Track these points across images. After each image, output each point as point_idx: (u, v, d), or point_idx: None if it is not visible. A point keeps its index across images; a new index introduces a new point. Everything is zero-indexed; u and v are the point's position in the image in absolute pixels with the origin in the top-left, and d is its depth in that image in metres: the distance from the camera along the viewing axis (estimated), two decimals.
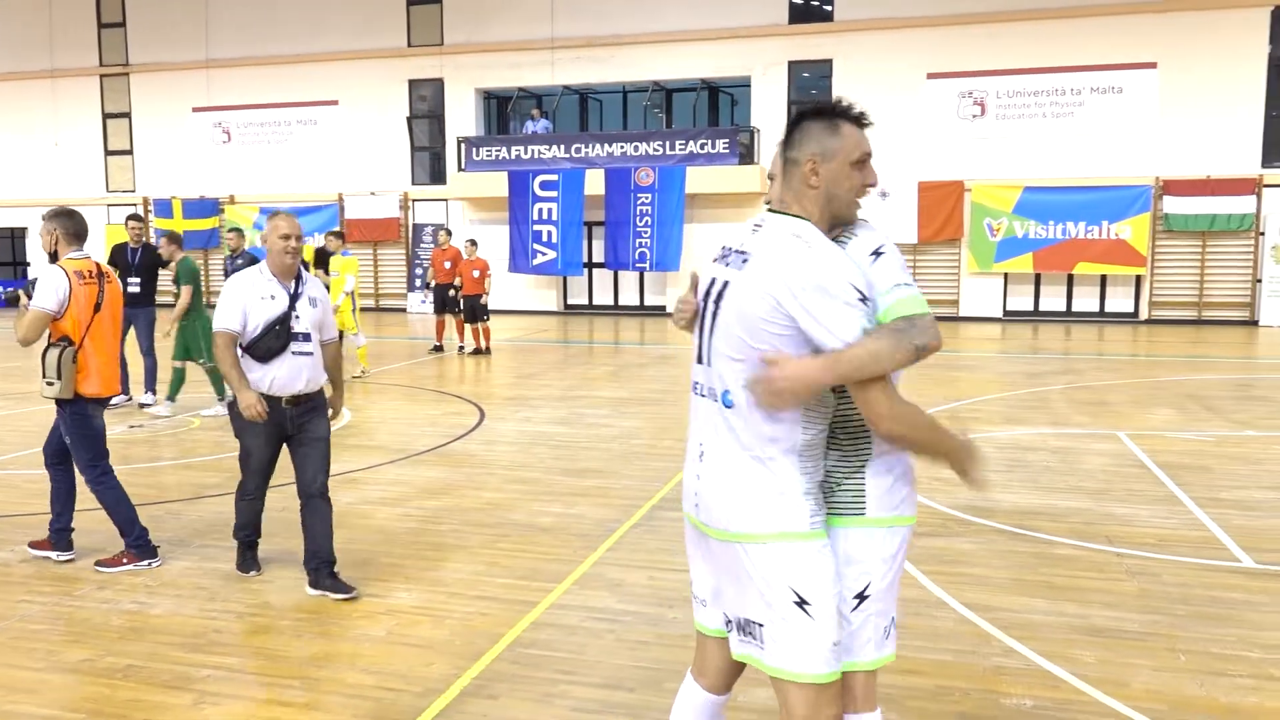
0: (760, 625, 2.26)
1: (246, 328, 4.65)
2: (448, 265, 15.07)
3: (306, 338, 4.75)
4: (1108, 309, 19.88)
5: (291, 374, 4.70)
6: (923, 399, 5.49)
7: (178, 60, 24.66)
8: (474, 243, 15.34)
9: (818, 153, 2.31)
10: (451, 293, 15.01)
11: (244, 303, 4.67)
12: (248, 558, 5.07)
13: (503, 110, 23.67)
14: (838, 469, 2.38)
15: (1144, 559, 5.21)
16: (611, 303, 22.88)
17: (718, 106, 22.95)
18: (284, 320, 4.69)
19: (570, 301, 23.11)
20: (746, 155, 20.70)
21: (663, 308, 21.84)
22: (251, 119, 24.39)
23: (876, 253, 2.32)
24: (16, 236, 27.34)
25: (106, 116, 25.70)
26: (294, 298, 4.76)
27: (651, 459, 7.67)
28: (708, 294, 2.42)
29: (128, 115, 25.49)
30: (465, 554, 5.40)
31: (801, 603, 2.22)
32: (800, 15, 20.65)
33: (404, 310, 23.34)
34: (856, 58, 20.22)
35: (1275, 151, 18.54)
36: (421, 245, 23.13)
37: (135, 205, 25.59)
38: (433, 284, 15.48)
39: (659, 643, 4.19)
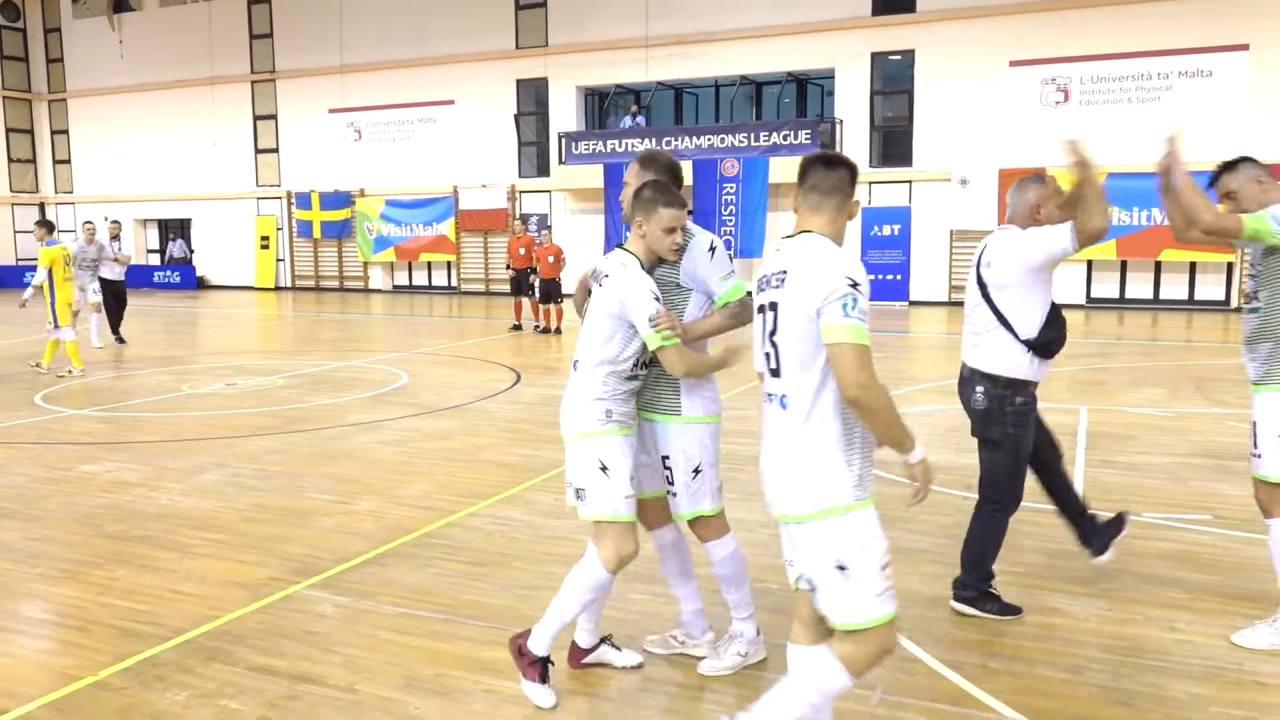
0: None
1: None
2: (522, 251, 16.54)
3: None
4: (1197, 297, 19.49)
5: None
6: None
7: (316, 66, 27.22)
8: (549, 230, 16.74)
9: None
10: (533, 278, 16.48)
11: None
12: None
13: (602, 106, 25.02)
14: (661, 383, 3.60)
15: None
16: None
17: (806, 98, 23.56)
18: None
19: None
20: (828, 145, 21.31)
21: (748, 294, 22.69)
22: (379, 118, 26.68)
23: (712, 249, 3.55)
24: (185, 226, 30.77)
25: (256, 118, 28.60)
26: None
27: None
28: None
29: (274, 117, 28.32)
30: (427, 480, 6.72)
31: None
32: (883, 7, 21.05)
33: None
34: (939, 47, 20.50)
35: None
36: (537, 235, 24.78)
37: (280, 199, 28.43)
38: (510, 269, 16.98)
39: (531, 539, 5.37)
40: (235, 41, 28.39)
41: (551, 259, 16.31)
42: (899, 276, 21.51)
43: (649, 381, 3.64)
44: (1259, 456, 3.97)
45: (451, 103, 25.58)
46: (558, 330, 16.18)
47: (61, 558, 5.22)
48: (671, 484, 3.64)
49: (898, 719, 3.42)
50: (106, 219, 14.67)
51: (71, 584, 4.82)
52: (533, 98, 24.91)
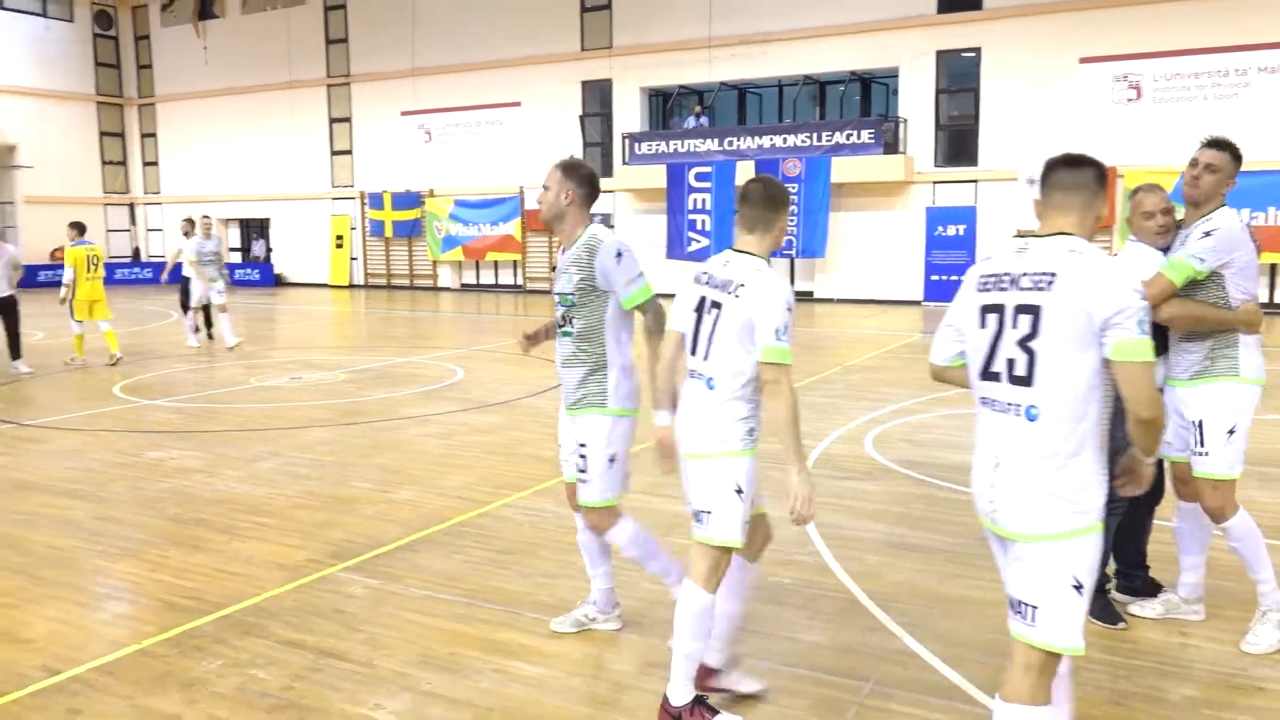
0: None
1: None
2: None
3: None
4: (1277, 299, 18.83)
5: None
6: None
7: (389, 70, 27.96)
8: (610, 229, 16.95)
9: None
10: None
11: None
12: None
13: (665, 106, 25.19)
14: (591, 377, 3.79)
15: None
16: None
17: (870, 97, 23.38)
18: None
19: None
20: (892, 145, 21.14)
21: (810, 293, 22.64)
22: (449, 120, 27.28)
23: (619, 254, 3.71)
24: (263, 225, 31.87)
25: (332, 121, 29.49)
26: None
27: None
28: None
29: (348, 120, 29.16)
30: (467, 472, 6.98)
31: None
32: (949, 4, 20.78)
33: None
34: (1006, 45, 20.17)
35: None
36: None
37: (354, 199, 29.27)
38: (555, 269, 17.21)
39: (559, 530, 5.57)
40: (312, 47, 29.32)
41: None
42: (963, 278, 21.19)
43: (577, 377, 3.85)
44: (1205, 455, 3.94)
45: (518, 104, 26.03)
46: None
47: (122, 537, 5.60)
48: (584, 471, 3.82)
49: (886, 710, 3.52)
50: (206, 218, 15.00)
51: (129, 561, 5.18)
52: (597, 99, 25.21)
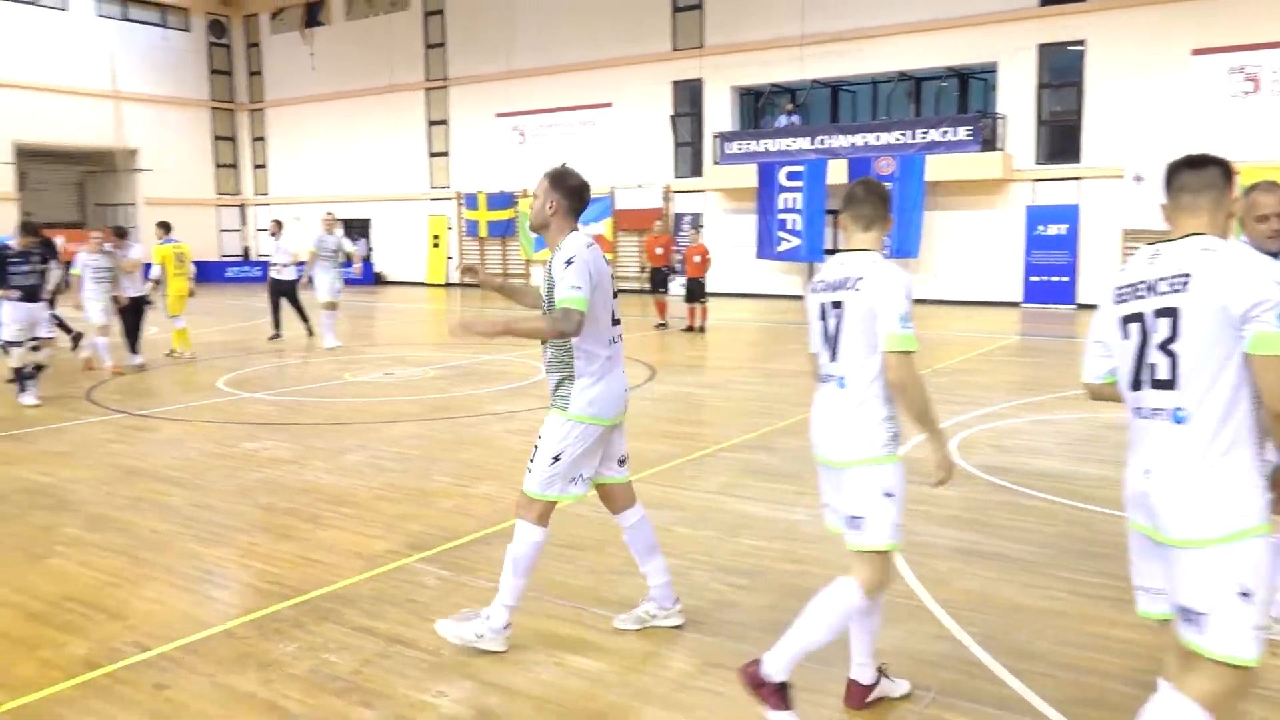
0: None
1: None
2: (659, 251, 16.84)
3: None
4: None
5: None
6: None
7: (485, 73, 28.53)
8: (698, 230, 16.97)
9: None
10: (670, 277, 16.80)
11: None
12: None
13: (756, 105, 25.04)
14: (561, 385, 3.90)
15: (1089, 511, 5.80)
16: None
17: (968, 92, 22.79)
18: None
19: None
20: (990, 142, 20.57)
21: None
22: (542, 121, 27.69)
23: (569, 261, 3.74)
24: (364, 225, 32.88)
25: (430, 124, 30.24)
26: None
27: (752, 416, 8.93)
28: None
29: (445, 122, 29.87)
30: None
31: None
32: None
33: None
34: (1113, 37, 19.41)
35: None
36: (680, 234, 25.13)
37: (450, 200, 29.95)
38: (647, 267, 17.30)
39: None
40: (411, 51, 30.13)
41: (697, 259, 16.55)
42: (1065, 278, 20.52)
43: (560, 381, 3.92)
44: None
45: (609, 105, 26.24)
46: (702, 329, 16.39)
47: (215, 523, 5.88)
48: (531, 460, 3.92)
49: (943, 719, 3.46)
50: (329, 214, 15.53)
51: (219, 546, 5.44)
52: (688, 98, 25.22)
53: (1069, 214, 20.32)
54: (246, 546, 5.43)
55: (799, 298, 23.52)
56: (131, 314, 12.46)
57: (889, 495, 3.27)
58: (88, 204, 34.08)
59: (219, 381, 11.37)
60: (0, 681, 3.79)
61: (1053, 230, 20.54)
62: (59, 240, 20.31)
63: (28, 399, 9.89)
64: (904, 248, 21.37)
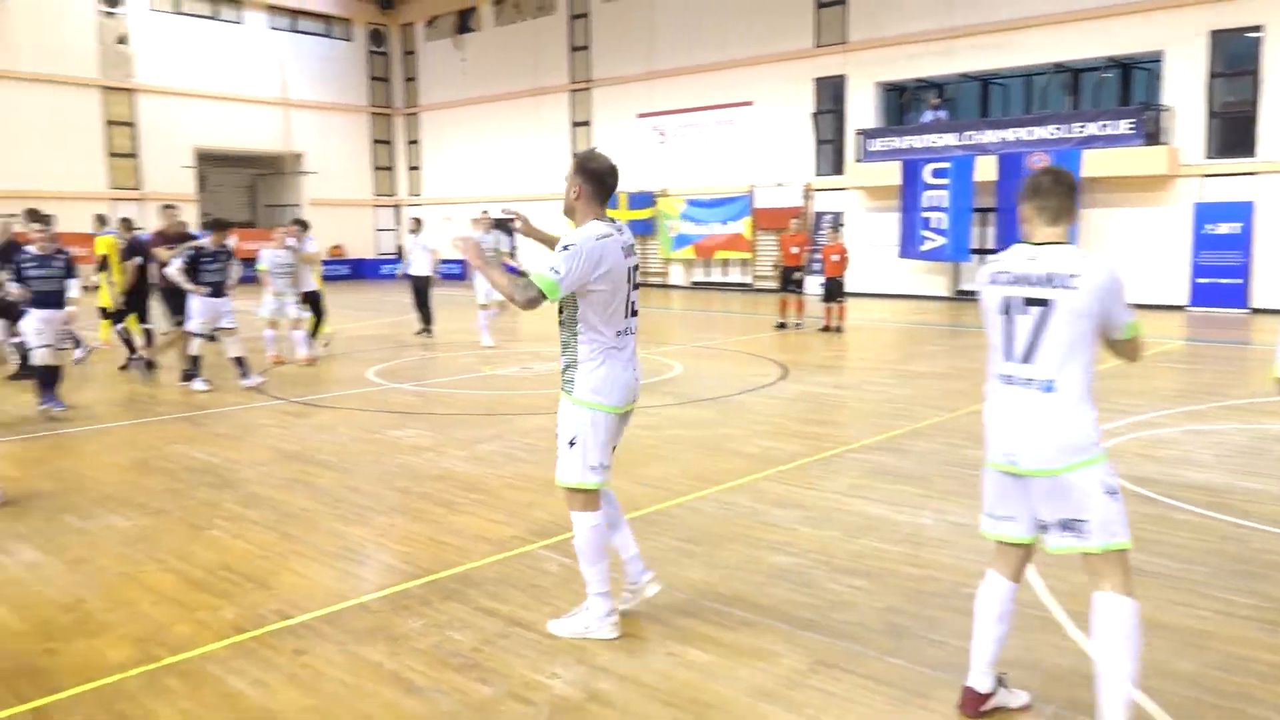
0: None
1: None
2: (794, 250, 16.65)
3: None
4: None
5: None
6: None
7: (626, 74, 28.90)
8: (838, 229, 16.71)
9: None
10: (798, 275, 16.62)
11: None
12: None
13: (900, 101, 24.41)
14: (568, 369, 4.03)
15: (1245, 528, 5.42)
16: None
17: (1130, 84, 21.53)
18: None
19: (961, 287, 23.27)
20: (1153, 135, 19.39)
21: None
22: (682, 121, 27.83)
23: (565, 246, 3.83)
24: (509, 225, 33.89)
25: (574, 125, 30.88)
26: None
27: (884, 418, 8.74)
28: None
29: (588, 123, 30.43)
30: (669, 464, 7.16)
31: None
32: None
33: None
34: None
35: None
36: (820, 233, 24.78)
37: None
38: (779, 265, 17.11)
39: (749, 525, 5.62)
40: (556, 54, 30.85)
41: (836, 257, 16.30)
42: (1239, 280, 19.13)
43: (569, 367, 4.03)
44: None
45: (750, 104, 26.12)
46: (839, 329, 16.13)
47: (358, 504, 6.22)
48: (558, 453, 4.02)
49: None
50: (484, 213, 16.16)
51: (360, 526, 5.76)
52: (830, 95, 24.83)
53: (1242, 211, 18.93)
54: (384, 527, 5.73)
55: (942, 298, 22.82)
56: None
57: (1112, 493, 3.18)
58: (259, 205, 36.48)
59: (369, 372, 11.98)
60: (161, 639, 4.14)
61: (1224, 229, 19.18)
62: (232, 239, 21.73)
63: (198, 385, 10.70)
64: None
